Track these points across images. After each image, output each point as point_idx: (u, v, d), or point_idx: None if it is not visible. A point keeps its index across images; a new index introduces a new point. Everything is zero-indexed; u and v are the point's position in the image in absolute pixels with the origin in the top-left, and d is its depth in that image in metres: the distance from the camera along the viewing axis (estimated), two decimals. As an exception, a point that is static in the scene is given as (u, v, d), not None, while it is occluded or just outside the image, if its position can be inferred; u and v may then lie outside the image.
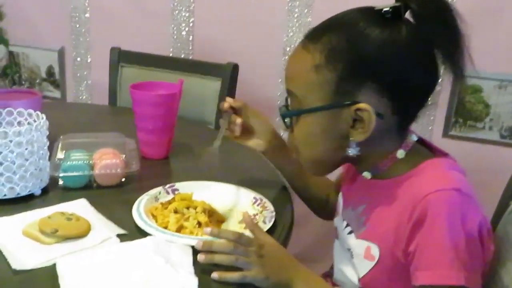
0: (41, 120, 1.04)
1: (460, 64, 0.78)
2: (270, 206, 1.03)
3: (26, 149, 1.00)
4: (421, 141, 0.88)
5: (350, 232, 0.90)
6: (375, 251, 0.83)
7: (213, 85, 1.73)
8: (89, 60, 2.32)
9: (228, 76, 1.71)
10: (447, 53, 0.78)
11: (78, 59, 2.33)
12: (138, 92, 1.22)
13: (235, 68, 1.72)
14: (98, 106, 1.85)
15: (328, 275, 1.02)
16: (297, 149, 0.89)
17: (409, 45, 0.77)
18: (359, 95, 0.78)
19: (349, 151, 0.82)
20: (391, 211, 0.81)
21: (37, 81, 2.44)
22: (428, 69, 0.80)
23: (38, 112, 1.08)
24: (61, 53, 2.35)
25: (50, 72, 2.41)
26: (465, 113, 1.80)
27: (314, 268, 0.90)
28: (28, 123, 1.08)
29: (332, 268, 1.01)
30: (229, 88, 1.72)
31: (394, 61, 0.78)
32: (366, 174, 0.87)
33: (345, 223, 0.93)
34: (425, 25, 0.77)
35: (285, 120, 0.87)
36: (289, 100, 0.88)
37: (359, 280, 0.87)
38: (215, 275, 0.81)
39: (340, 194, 0.99)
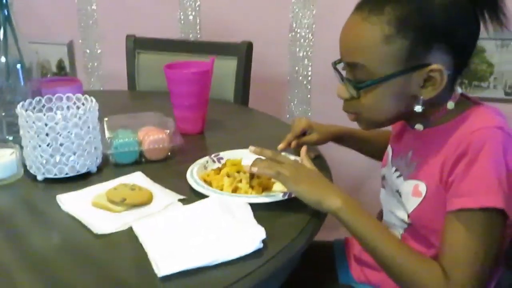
0: (92, 102, 1.12)
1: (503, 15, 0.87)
2: (311, 167, 1.11)
3: (81, 129, 1.08)
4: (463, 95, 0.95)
5: (399, 176, 1.00)
6: (422, 187, 0.91)
7: (230, 64, 1.79)
8: (99, 51, 2.37)
9: (244, 54, 1.77)
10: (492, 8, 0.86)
11: (88, 50, 2.38)
12: (173, 71, 1.30)
13: (249, 46, 1.78)
14: (123, 92, 1.91)
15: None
16: (359, 113, 0.95)
17: (466, 2, 0.85)
18: (430, 57, 0.85)
19: (416, 108, 0.88)
20: (438, 151, 0.89)
21: (48, 75, 2.48)
22: (477, 22, 0.87)
23: (87, 96, 1.15)
24: (70, 46, 2.39)
25: (60, 66, 2.45)
26: (470, 74, 1.86)
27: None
28: (77, 107, 1.16)
29: (379, 214, 1.11)
30: (245, 66, 1.79)
31: (457, 20, 0.85)
32: (419, 127, 0.95)
33: (394, 168, 1.02)
34: None
35: (351, 91, 0.92)
36: (345, 71, 0.94)
37: (408, 216, 0.95)
38: (254, 168, 0.97)
39: (389, 147, 1.09)
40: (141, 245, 0.86)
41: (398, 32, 0.85)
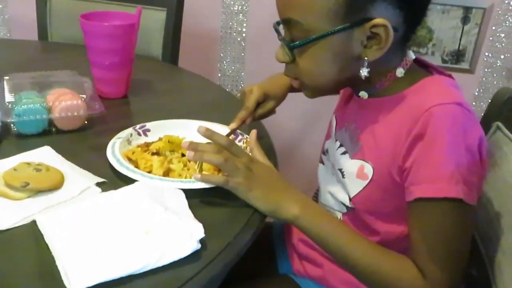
0: (-14, 58, 0.90)
1: None
2: (253, 142, 0.97)
3: (-29, 92, 0.87)
4: (417, 60, 0.84)
5: (344, 153, 0.88)
6: (369, 169, 0.82)
7: (158, 16, 1.59)
8: (4, -9, 2.08)
9: (174, 5, 1.58)
10: None
11: (-9, -11, 2.09)
12: (91, 23, 1.08)
13: (181, -4, 1.59)
14: (32, 43, 1.66)
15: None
16: (300, 78, 0.82)
17: None
18: (373, 10, 0.72)
19: (361, 72, 0.76)
20: (388, 128, 0.80)
21: None
22: None
23: (-21, 49, 0.93)
24: (-33, -16, 2.09)
25: (-43, 6, 2.13)
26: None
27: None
28: (-32, 63, 0.93)
29: (315, 194, 0.99)
30: (176, 19, 1.59)
31: None
32: (363, 94, 0.84)
33: (338, 143, 0.91)
34: None
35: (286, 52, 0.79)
36: (282, 29, 0.80)
37: (350, 200, 0.85)
38: (197, 176, 0.79)
39: (333, 117, 0.96)
40: (47, 245, 0.68)
41: None
